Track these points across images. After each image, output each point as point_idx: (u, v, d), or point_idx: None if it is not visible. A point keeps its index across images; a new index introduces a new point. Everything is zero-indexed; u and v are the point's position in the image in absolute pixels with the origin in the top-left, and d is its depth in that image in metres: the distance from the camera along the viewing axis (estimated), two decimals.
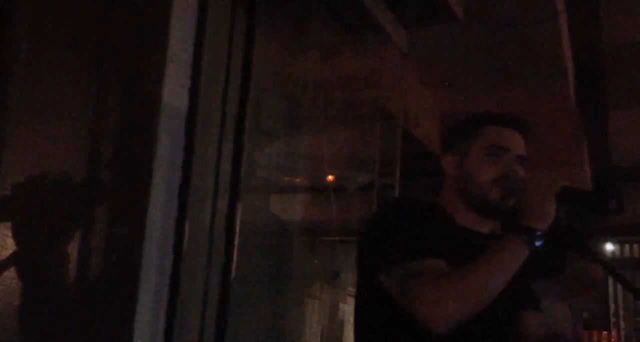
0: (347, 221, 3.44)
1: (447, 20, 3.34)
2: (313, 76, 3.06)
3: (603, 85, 4.96)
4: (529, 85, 4.70)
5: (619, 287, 6.90)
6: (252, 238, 2.39)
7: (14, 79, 1.62)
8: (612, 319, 7.34)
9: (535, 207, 1.31)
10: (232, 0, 2.16)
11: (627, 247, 7.59)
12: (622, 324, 7.37)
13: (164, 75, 1.83)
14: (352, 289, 5.29)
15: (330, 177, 3.47)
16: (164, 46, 1.85)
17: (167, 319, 1.76)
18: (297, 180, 3.09)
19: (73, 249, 1.72)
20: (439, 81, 4.77)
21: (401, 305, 1.27)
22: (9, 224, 1.60)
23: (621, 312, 7.37)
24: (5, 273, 1.57)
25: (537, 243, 1.29)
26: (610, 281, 6.80)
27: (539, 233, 1.29)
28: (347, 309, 6.34)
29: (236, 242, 1.96)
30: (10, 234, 1.59)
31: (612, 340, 6.91)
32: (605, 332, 6.92)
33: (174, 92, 1.86)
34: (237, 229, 1.97)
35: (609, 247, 7.34)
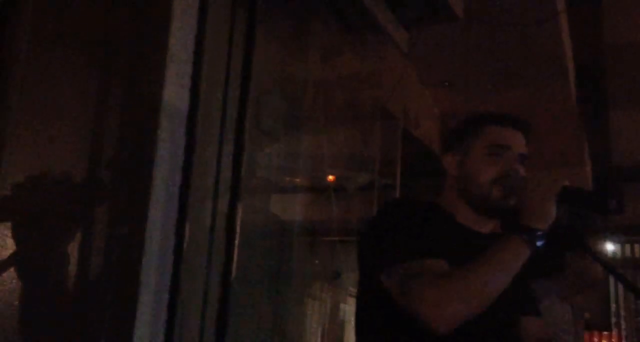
0: (347, 221, 3.45)
1: (447, 20, 3.34)
2: (313, 76, 3.06)
3: (603, 85, 4.96)
4: (529, 86, 4.70)
5: (620, 287, 6.90)
6: (252, 238, 2.39)
7: (14, 79, 1.62)
8: (613, 319, 7.34)
9: (535, 207, 1.31)
10: (232, 0, 2.16)
11: (627, 247, 7.59)
12: (623, 324, 7.36)
13: (164, 75, 1.83)
14: (352, 289, 5.30)
15: (330, 177, 3.47)
16: (164, 46, 1.85)
17: (167, 319, 1.76)
18: (298, 180, 3.09)
19: (73, 249, 1.72)
20: (439, 81, 4.78)
21: (402, 305, 1.27)
22: (9, 224, 1.60)
23: (622, 313, 7.37)
24: (5, 273, 1.57)
25: (538, 243, 1.29)
26: (612, 281, 6.81)
27: (539, 233, 1.29)
28: (348, 309, 6.33)
29: (236, 242, 1.96)
30: (10, 234, 1.58)
31: (613, 340, 6.90)
32: (606, 333, 6.92)
33: (174, 92, 1.86)
34: (238, 229, 1.97)
35: (609, 247, 7.34)
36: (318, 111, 3.08)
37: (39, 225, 1.68)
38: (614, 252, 7.40)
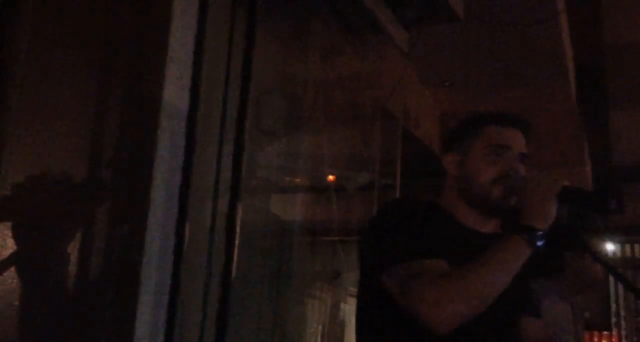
0: (348, 221, 3.44)
1: (447, 20, 3.34)
2: (313, 76, 3.06)
3: (603, 85, 4.96)
4: (529, 86, 4.71)
5: (620, 287, 6.90)
6: (252, 238, 2.39)
7: (14, 79, 1.62)
8: (613, 319, 7.33)
9: (535, 207, 1.31)
10: (232, 0, 2.16)
11: (627, 247, 7.59)
12: (623, 324, 7.36)
13: (164, 75, 1.83)
14: (352, 289, 5.30)
15: (330, 177, 3.47)
16: (164, 46, 1.85)
17: (168, 319, 1.76)
18: (298, 180, 3.09)
19: (73, 249, 1.72)
20: (439, 81, 4.78)
21: (402, 305, 1.27)
22: (9, 224, 1.60)
23: (622, 313, 7.37)
24: (5, 273, 1.57)
25: (539, 243, 1.29)
26: (612, 281, 6.80)
27: (539, 233, 1.29)
28: (348, 309, 6.33)
29: (236, 242, 1.96)
30: (10, 234, 1.58)
31: (613, 340, 6.90)
32: (606, 333, 6.92)
33: (174, 92, 1.86)
34: (238, 229, 1.97)
35: (609, 247, 7.34)
36: (318, 111, 3.08)
37: (39, 225, 1.68)
38: (614, 252, 7.39)
